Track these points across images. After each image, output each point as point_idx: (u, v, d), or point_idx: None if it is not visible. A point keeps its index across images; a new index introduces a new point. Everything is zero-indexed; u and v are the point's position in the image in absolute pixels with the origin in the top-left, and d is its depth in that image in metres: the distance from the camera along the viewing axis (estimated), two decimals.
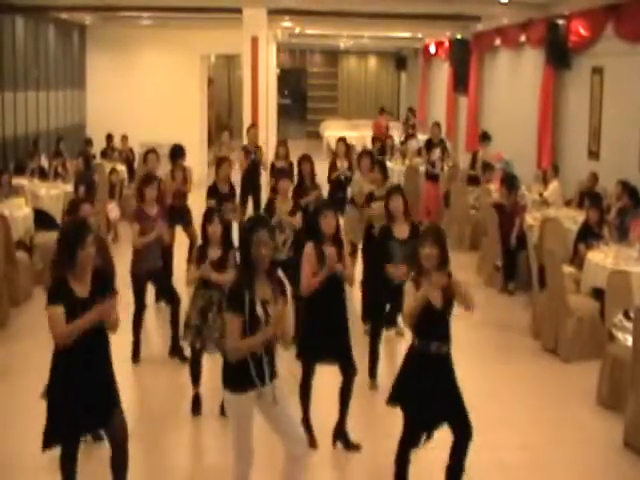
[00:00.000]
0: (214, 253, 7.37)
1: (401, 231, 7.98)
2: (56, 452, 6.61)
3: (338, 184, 12.26)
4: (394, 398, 5.82)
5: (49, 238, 12.14)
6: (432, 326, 5.60)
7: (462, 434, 5.65)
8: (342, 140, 13.16)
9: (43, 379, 6.67)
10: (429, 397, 5.59)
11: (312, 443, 6.63)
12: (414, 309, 5.54)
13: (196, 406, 7.51)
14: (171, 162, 11.47)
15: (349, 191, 11.54)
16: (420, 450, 5.79)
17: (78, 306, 5.19)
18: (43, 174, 15.25)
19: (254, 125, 15.57)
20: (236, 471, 5.26)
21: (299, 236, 8.79)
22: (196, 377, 7.51)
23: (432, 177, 15.48)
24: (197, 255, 7.48)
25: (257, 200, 13.88)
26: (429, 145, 15.67)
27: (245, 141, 15.04)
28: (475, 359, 8.81)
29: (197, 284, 7.42)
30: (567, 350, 9.05)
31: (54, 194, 13.69)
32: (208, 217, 7.49)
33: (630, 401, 7.03)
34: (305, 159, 11.19)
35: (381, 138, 19.94)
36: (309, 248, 6.72)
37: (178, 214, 10.90)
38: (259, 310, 5.06)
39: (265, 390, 5.14)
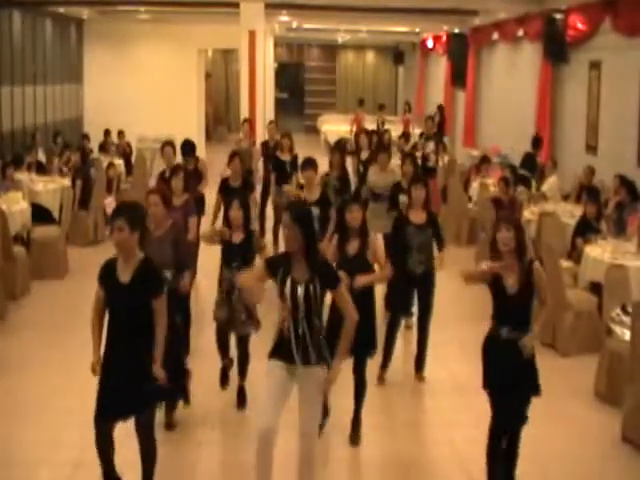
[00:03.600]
0: (236, 237, 7.44)
1: (418, 217, 8.11)
2: (55, 446, 6.64)
3: (360, 178, 12.36)
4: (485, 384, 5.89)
5: (46, 232, 12.16)
6: (504, 311, 5.67)
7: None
8: (366, 132, 13.41)
9: (41, 373, 6.70)
10: (499, 379, 5.71)
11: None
12: (470, 275, 5.83)
13: (224, 379, 7.71)
14: (183, 157, 11.48)
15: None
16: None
17: (118, 290, 5.33)
18: (41, 168, 15.23)
19: (272, 121, 15.84)
20: (255, 450, 5.36)
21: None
22: (224, 348, 7.64)
23: (426, 171, 15.43)
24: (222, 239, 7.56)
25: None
26: (422, 138, 15.70)
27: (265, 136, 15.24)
28: (472, 354, 8.79)
29: (221, 265, 7.51)
30: (565, 344, 9.05)
31: (51, 188, 13.66)
32: (229, 203, 7.56)
33: (628, 395, 7.03)
34: (335, 151, 11.22)
35: (360, 131, 19.83)
36: (333, 241, 7.02)
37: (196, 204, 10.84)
38: (288, 287, 5.25)
39: (284, 367, 5.36)
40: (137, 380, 5.34)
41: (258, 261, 7.10)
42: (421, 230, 8.07)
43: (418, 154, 15.73)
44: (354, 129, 22.03)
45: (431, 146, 15.42)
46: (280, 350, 5.40)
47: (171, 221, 7.14)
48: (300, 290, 5.24)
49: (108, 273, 5.41)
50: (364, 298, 6.81)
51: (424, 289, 8.22)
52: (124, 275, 5.35)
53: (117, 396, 5.34)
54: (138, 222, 5.39)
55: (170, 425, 7.00)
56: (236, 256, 7.37)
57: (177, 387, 6.86)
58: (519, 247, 5.64)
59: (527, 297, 5.68)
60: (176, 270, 7.01)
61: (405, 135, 19.61)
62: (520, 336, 5.63)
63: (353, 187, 11.92)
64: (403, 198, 9.48)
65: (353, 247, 6.88)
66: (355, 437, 6.88)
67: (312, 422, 5.43)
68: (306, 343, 5.33)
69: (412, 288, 8.30)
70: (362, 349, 6.84)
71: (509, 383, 5.71)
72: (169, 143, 11.12)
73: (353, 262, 6.82)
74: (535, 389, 5.86)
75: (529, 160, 15.29)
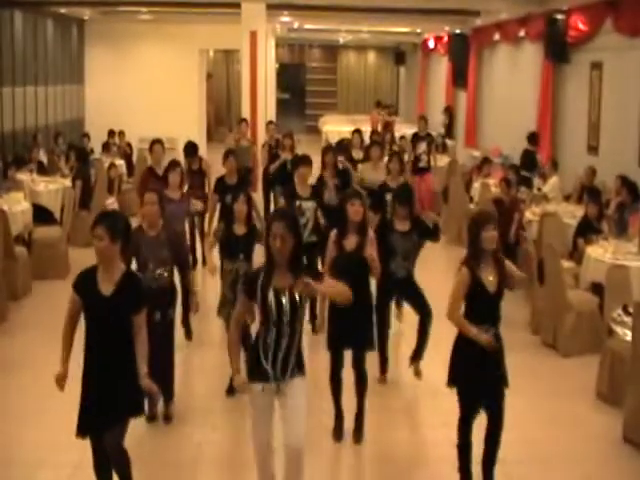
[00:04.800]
0: (239, 230, 7.60)
1: (402, 224, 8.03)
2: (56, 447, 6.63)
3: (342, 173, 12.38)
4: (452, 380, 5.91)
5: (47, 233, 12.17)
6: (484, 310, 5.74)
7: (495, 421, 5.86)
8: (358, 132, 13.43)
9: (42, 373, 6.66)
10: (478, 378, 5.73)
11: (338, 435, 6.90)
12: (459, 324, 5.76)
13: (232, 389, 7.54)
14: (185, 158, 11.61)
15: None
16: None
17: (99, 302, 5.11)
18: (41, 168, 15.22)
19: (270, 121, 15.88)
20: (255, 463, 5.24)
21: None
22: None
23: (419, 171, 15.41)
24: (223, 232, 7.72)
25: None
26: (415, 139, 15.68)
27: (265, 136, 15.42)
28: None
29: (222, 258, 7.67)
30: (566, 345, 9.05)
31: (53, 189, 13.67)
32: (235, 196, 7.74)
33: (629, 396, 7.03)
34: (327, 151, 11.29)
35: (375, 131, 20.06)
36: (332, 236, 7.07)
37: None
38: (271, 298, 5.03)
39: (272, 386, 5.12)
40: (117, 392, 5.15)
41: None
42: (405, 237, 7.96)
43: (406, 157, 15.77)
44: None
45: (423, 147, 15.41)
46: (259, 370, 5.13)
47: (162, 221, 7.16)
48: (285, 299, 5.05)
49: (87, 283, 5.18)
50: (361, 293, 6.77)
51: (412, 292, 8.14)
52: (105, 287, 5.14)
53: (99, 409, 5.15)
54: (119, 232, 5.15)
55: (168, 417, 7.07)
56: (239, 248, 7.53)
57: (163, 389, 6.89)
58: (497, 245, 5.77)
59: (502, 293, 5.80)
60: (178, 267, 7.09)
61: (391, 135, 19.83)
62: (493, 330, 5.76)
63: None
64: (390, 196, 9.48)
65: (350, 243, 6.92)
66: (358, 435, 6.90)
67: (299, 436, 5.18)
68: (288, 354, 5.11)
69: (393, 291, 8.24)
70: (360, 343, 6.88)
71: (491, 380, 5.78)
72: (158, 141, 11.21)
73: (350, 258, 6.87)
74: (506, 380, 5.93)
75: (528, 157, 15.33)
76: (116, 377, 5.13)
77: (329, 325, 6.88)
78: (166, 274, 6.96)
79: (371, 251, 6.96)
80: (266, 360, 5.11)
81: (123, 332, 5.15)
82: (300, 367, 5.21)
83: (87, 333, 5.18)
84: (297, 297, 5.06)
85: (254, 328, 7.37)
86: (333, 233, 7.11)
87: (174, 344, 7.25)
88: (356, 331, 6.84)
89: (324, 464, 6.54)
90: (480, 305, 5.72)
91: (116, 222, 5.23)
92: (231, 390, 7.61)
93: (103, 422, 5.18)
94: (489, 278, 5.69)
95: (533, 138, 15.50)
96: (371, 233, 7.10)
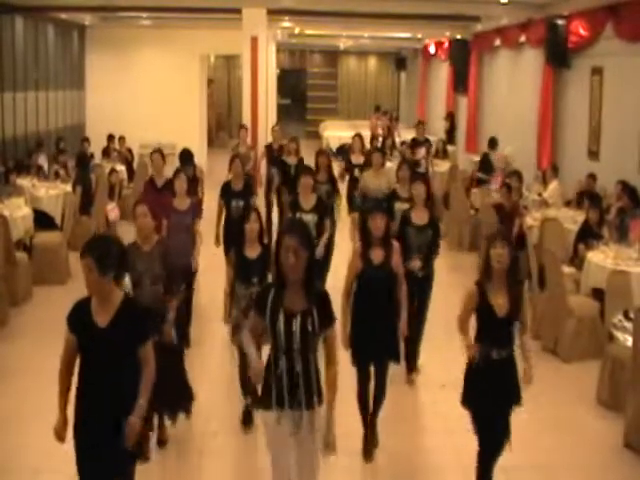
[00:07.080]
0: (252, 252, 7.14)
1: (419, 217, 8.07)
2: (55, 454, 6.61)
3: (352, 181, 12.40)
4: (465, 401, 5.84)
5: (48, 238, 12.17)
6: (493, 332, 5.60)
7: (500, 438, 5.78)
8: (358, 136, 13.38)
9: (42, 379, 6.66)
10: (491, 399, 5.66)
11: (369, 456, 6.76)
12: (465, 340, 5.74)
13: (247, 419, 7.24)
14: (180, 165, 11.63)
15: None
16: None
17: (95, 335, 4.57)
18: (41, 174, 15.22)
19: (277, 124, 15.94)
20: None
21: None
22: (246, 386, 7.13)
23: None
24: (234, 257, 7.21)
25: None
26: (413, 144, 15.69)
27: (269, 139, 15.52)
28: None
29: (235, 282, 7.13)
30: (567, 350, 9.04)
31: (53, 194, 13.67)
32: (246, 215, 7.25)
33: (630, 402, 7.02)
34: (322, 153, 11.30)
35: (375, 136, 20.10)
36: (355, 250, 6.87)
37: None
38: (280, 325, 4.63)
39: (285, 415, 4.75)
40: (115, 440, 4.57)
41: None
42: (421, 231, 8.03)
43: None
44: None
45: (422, 152, 15.40)
46: (270, 396, 4.75)
47: (157, 236, 6.96)
48: (295, 324, 4.61)
49: (80, 315, 4.62)
50: (387, 306, 6.69)
51: (421, 290, 8.17)
52: (101, 317, 4.58)
53: (99, 456, 4.62)
54: (110, 265, 4.54)
55: (162, 442, 6.90)
56: (254, 271, 7.06)
57: (178, 406, 6.84)
58: (512, 266, 5.57)
59: (514, 318, 5.63)
60: (167, 284, 6.64)
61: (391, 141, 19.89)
62: (506, 353, 5.62)
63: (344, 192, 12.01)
64: (400, 206, 9.44)
65: (377, 256, 6.67)
66: (367, 452, 6.79)
67: (311, 476, 4.87)
68: (300, 384, 4.70)
69: (412, 289, 8.20)
70: (385, 354, 6.71)
71: (501, 402, 5.71)
72: (158, 150, 11.20)
73: (377, 271, 6.66)
74: (519, 399, 5.82)
75: (486, 160, 15.65)
76: (113, 422, 4.58)
77: (352, 339, 6.65)
78: (162, 290, 6.58)
79: (397, 260, 6.78)
80: (279, 387, 4.72)
81: (121, 369, 4.60)
82: (319, 396, 4.79)
83: (81, 371, 4.69)
84: (309, 325, 4.63)
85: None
86: (357, 246, 6.88)
87: (183, 361, 6.93)
88: (380, 344, 6.65)
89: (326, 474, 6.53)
90: (489, 327, 5.59)
91: (107, 252, 4.58)
92: (246, 420, 7.24)
93: (103, 471, 4.67)
94: (499, 301, 5.56)
95: (492, 143, 15.71)
96: (395, 244, 6.87)
